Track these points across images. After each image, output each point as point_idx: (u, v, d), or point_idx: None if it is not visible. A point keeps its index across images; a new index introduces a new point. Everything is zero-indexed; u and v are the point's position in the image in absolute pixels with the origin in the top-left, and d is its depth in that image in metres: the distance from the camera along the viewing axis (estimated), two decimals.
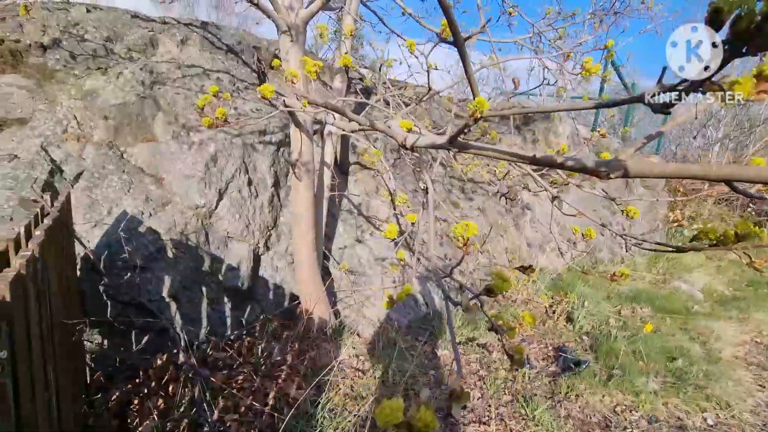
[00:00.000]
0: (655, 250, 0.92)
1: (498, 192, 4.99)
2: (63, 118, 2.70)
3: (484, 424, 2.47)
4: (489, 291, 0.57)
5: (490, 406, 2.61)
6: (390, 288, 3.58)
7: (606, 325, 3.64)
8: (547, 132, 5.84)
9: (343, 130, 2.10)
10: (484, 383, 2.83)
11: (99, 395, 2.15)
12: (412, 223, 1.53)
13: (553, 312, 3.85)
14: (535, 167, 0.97)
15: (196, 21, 3.56)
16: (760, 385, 2.97)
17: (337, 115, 1.86)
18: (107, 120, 2.76)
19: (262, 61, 3.71)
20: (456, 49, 0.59)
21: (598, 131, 1.83)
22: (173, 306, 2.65)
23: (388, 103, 2.87)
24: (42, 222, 1.40)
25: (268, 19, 2.28)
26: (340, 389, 2.50)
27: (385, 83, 3.27)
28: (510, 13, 2.36)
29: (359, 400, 2.45)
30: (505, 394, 2.74)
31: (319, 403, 2.22)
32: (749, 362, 3.30)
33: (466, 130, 0.74)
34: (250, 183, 3.04)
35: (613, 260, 5.71)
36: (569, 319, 3.74)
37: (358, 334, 3.19)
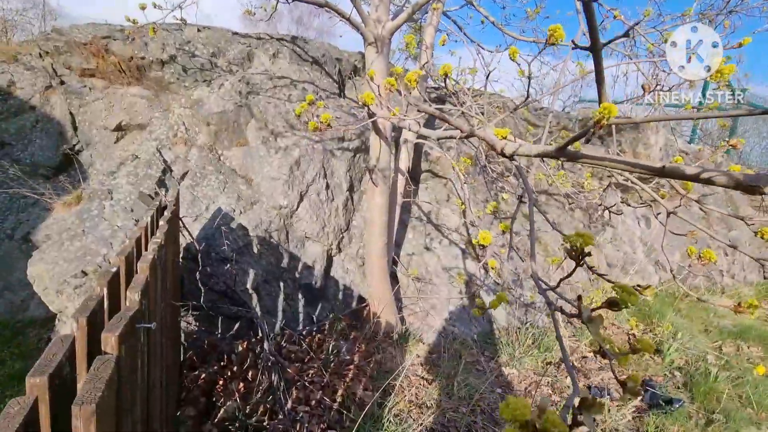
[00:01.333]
0: None
1: (584, 205, 4.68)
2: (174, 124, 3.07)
3: None
4: (612, 304, 0.54)
5: None
6: (456, 298, 3.51)
7: (703, 362, 3.22)
8: (635, 143, 5.36)
9: (426, 138, 2.12)
10: (557, 409, 2.64)
11: (192, 373, 2.38)
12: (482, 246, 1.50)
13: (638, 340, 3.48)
14: (646, 176, 0.90)
15: (287, 36, 3.85)
16: None
17: (420, 122, 1.88)
18: (209, 126, 3.09)
19: (342, 72, 3.90)
20: (591, 54, 0.58)
21: (722, 143, 1.64)
22: (254, 297, 2.86)
23: (462, 112, 2.85)
24: (163, 214, 1.60)
25: (350, 31, 2.40)
26: (405, 395, 2.51)
27: (463, 91, 3.25)
28: (615, 16, 2.21)
29: (424, 408, 2.43)
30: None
31: (385, 406, 2.24)
32: None
33: (585, 138, 0.72)
34: (327, 187, 3.19)
35: (712, 289, 5.04)
36: (657, 351, 3.37)
37: (422, 342, 3.17)
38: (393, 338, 2.98)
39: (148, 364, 1.08)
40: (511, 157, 1.01)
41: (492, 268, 2.58)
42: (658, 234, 5.31)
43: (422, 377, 2.72)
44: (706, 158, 2.04)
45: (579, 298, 0.58)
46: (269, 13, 3.17)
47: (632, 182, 1.41)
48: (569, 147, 0.82)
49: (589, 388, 2.88)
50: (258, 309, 2.89)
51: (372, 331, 2.96)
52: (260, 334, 2.84)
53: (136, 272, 1.00)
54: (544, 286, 0.80)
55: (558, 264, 2.61)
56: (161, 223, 1.43)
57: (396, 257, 3.46)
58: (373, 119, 2.03)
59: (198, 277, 2.68)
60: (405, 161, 3.19)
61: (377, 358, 2.75)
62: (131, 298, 0.87)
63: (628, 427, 2.52)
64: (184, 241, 2.60)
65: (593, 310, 0.56)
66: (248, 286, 2.80)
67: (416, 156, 3.78)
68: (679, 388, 2.92)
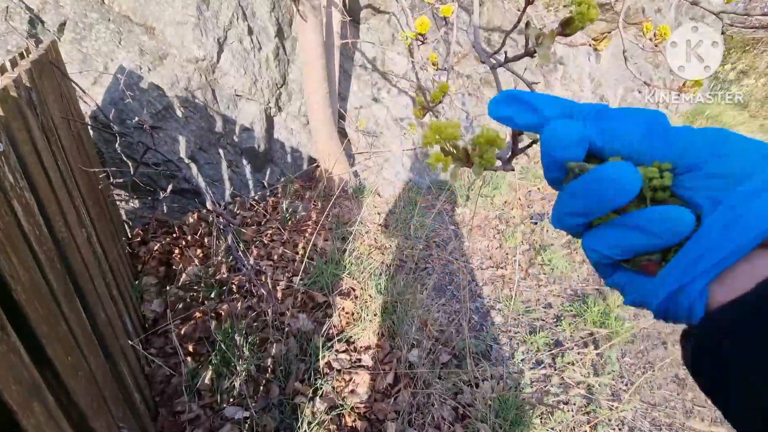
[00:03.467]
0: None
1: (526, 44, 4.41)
2: None
3: (501, 268, 2.62)
4: (566, 25, 0.42)
5: (507, 254, 2.74)
6: (409, 149, 3.47)
7: None
8: None
9: None
10: (503, 236, 2.92)
11: (143, 247, 2.31)
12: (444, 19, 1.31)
13: None
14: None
15: None
16: None
17: None
18: None
19: None
20: None
21: None
22: (194, 167, 2.65)
23: None
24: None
25: None
26: (364, 241, 2.63)
27: None
28: None
29: (383, 249, 2.58)
30: (522, 244, 2.85)
31: (346, 250, 2.34)
32: None
33: None
34: (251, 32, 2.70)
35: None
36: None
37: (378, 194, 3.22)
38: (348, 192, 2.99)
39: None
40: None
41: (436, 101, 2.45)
42: (607, 69, 5.29)
43: (380, 224, 2.83)
44: None
45: (527, 24, 0.46)
46: None
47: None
48: None
49: (531, 216, 3.17)
50: (200, 179, 2.71)
51: (326, 188, 2.92)
52: (209, 203, 2.74)
53: None
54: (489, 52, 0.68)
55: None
56: (22, 62, 1.11)
57: (343, 111, 3.22)
58: None
59: (119, 150, 2.38)
60: None
61: (334, 212, 2.79)
62: None
63: (563, 243, 2.86)
64: (88, 108, 2.21)
65: (539, 35, 0.44)
66: (182, 155, 2.55)
67: None
68: None
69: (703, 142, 0.20)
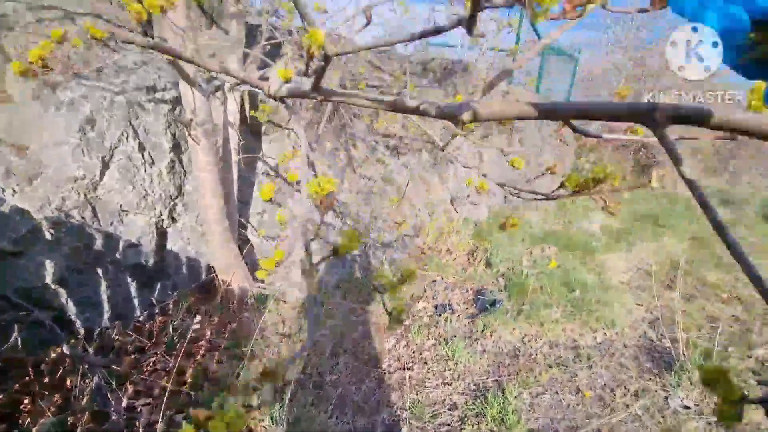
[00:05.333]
0: (530, 199, 0.94)
1: (429, 148, 5.02)
2: None
3: (409, 369, 2.61)
4: (335, 252, 0.52)
5: (414, 352, 2.76)
6: (315, 249, 3.52)
7: (519, 265, 3.98)
8: (466, 84, 5.91)
9: (240, 84, 1.89)
10: (410, 332, 2.97)
11: None
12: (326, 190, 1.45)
13: (474, 258, 4.10)
14: (435, 117, 0.93)
15: None
16: (638, 304, 3.49)
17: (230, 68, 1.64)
18: None
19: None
20: None
21: (484, 80, 1.84)
22: (63, 293, 2.34)
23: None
24: None
25: None
26: (265, 356, 2.46)
27: (295, 31, 2.99)
28: None
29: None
30: (428, 339, 2.91)
31: (239, 374, 2.16)
32: (632, 286, 3.85)
33: (323, 72, 0.66)
34: (142, 149, 2.68)
35: (529, 205, 6.18)
36: (489, 264, 4.02)
37: (284, 300, 3.13)
38: (248, 303, 2.86)
39: None
40: (280, 99, 0.92)
41: (334, 210, 2.61)
42: (489, 166, 6.16)
43: (282, 334, 2.70)
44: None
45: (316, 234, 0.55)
46: None
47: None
48: (322, 85, 0.76)
49: (435, 307, 3.30)
50: (71, 305, 2.39)
51: (224, 300, 2.77)
52: (79, 333, 2.40)
53: None
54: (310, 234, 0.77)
55: (397, 203, 2.81)
56: None
57: (245, 219, 3.22)
58: (169, 58, 1.70)
59: None
60: (235, 112, 2.86)
61: (232, 327, 2.61)
62: None
63: (465, 332, 3.00)
64: None
65: (318, 262, 0.53)
66: (48, 280, 2.26)
67: (253, 105, 3.44)
68: (501, 290, 3.56)
69: None
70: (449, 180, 5.48)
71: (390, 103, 0.69)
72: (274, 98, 0.91)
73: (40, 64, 0.95)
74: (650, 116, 0.39)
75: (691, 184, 0.37)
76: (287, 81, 1.04)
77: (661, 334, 2.98)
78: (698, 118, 0.37)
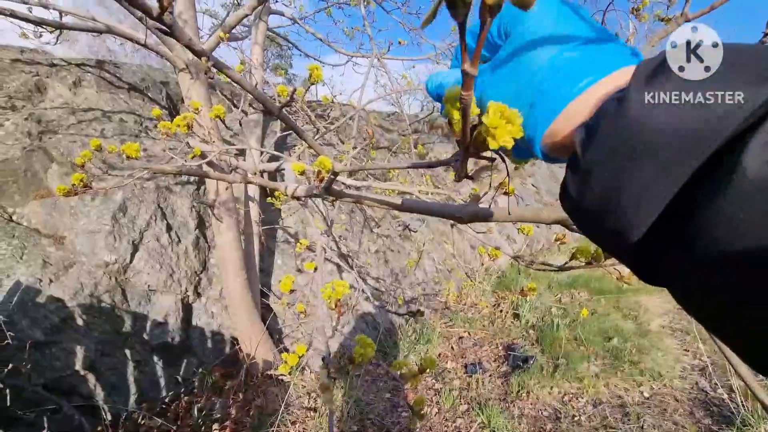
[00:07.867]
0: (542, 269, 0.94)
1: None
2: None
3: None
4: (351, 361, 0.53)
5: (446, 420, 2.61)
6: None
7: (549, 315, 3.82)
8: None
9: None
10: (440, 396, 2.82)
11: None
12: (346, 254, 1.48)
13: (500, 311, 3.97)
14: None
15: (90, 60, 3.29)
16: (685, 350, 3.24)
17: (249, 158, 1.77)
18: None
19: (172, 96, 3.51)
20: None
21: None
22: (91, 378, 2.37)
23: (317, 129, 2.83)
24: None
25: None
26: None
27: (307, 106, 3.22)
28: None
29: None
30: (461, 403, 2.75)
31: None
32: (674, 329, 3.61)
33: (332, 181, 0.72)
34: (169, 229, 2.82)
35: (551, 249, 6.05)
36: (516, 315, 3.87)
37: (309, 369, 3.05)
38: (273, 376, 2.80)
39: None
40: (298, 198, 0.98)
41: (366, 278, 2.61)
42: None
43: (308, 408, 2.61)
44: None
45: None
46: (55, 35, 2.64)
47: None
48: (333, 187, 0.82)
49: (465, 366, 3.16)
50: (99, 389, 2.40)
51: (249, 374, 2.73)
52: (107, 418, 2.37)
53: None
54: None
55: (414, 264, 2.79)
56: None
57: (266, 288, 3.26)
58: (200, 162, 1.84)
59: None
60: (256, 188, 3.02)
61: (257, 403, 2.54)
62: None
63: (498, 393, 2.83)
64: None
65: (332, 375, 0.54)
66: (78, 367, 2.30)
67: (272, 179, 3.62)
68: (533, 344, 3.39)
69: None
70: (467, 231, 5.46)
71: (399, 206, 0.73)
72: (293, 198, 0.97)
73: (81, 184, 1.06)
74: None
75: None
76: (301, 173, 1.11)
77: (715, 383, 2.73)
78: None
